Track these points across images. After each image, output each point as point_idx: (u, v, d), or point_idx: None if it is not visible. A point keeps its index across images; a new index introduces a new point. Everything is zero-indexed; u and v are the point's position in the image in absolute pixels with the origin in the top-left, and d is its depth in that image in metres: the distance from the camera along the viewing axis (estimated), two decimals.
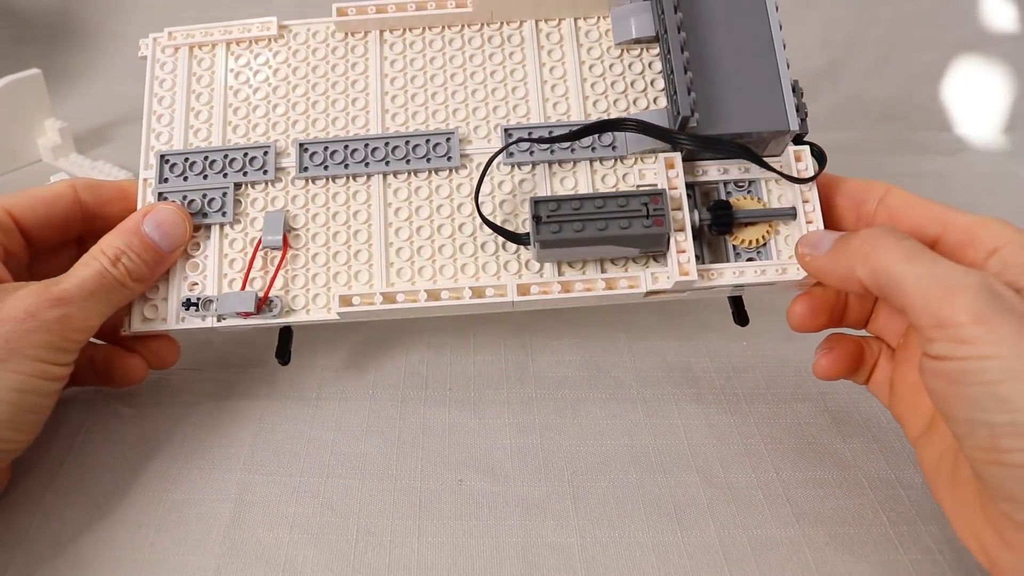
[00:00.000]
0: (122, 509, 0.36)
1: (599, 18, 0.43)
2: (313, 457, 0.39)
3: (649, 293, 0.37)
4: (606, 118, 0.40)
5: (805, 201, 0.37)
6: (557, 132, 0.38)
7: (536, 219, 0.36)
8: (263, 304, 0.38)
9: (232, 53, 0.43)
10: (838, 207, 0.38)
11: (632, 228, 0.36)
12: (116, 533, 0.35)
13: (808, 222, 0.37)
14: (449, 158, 0.40)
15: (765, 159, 0.38)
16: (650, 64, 0.42)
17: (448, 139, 0.40)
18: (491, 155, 0.38)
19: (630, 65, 0.42)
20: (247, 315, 0.38)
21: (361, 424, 0.41)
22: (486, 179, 0.40)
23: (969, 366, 0.28)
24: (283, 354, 0.40)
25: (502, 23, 0.43)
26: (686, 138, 0.37)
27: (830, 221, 0.38)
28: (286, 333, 0.40)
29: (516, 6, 0.42)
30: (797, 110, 0.38)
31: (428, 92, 0.42)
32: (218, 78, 0.43)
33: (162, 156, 0.41)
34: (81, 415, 0.41)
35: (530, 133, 0.37)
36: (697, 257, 0.37)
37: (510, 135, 0.40)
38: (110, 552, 0.34)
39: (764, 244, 0.38)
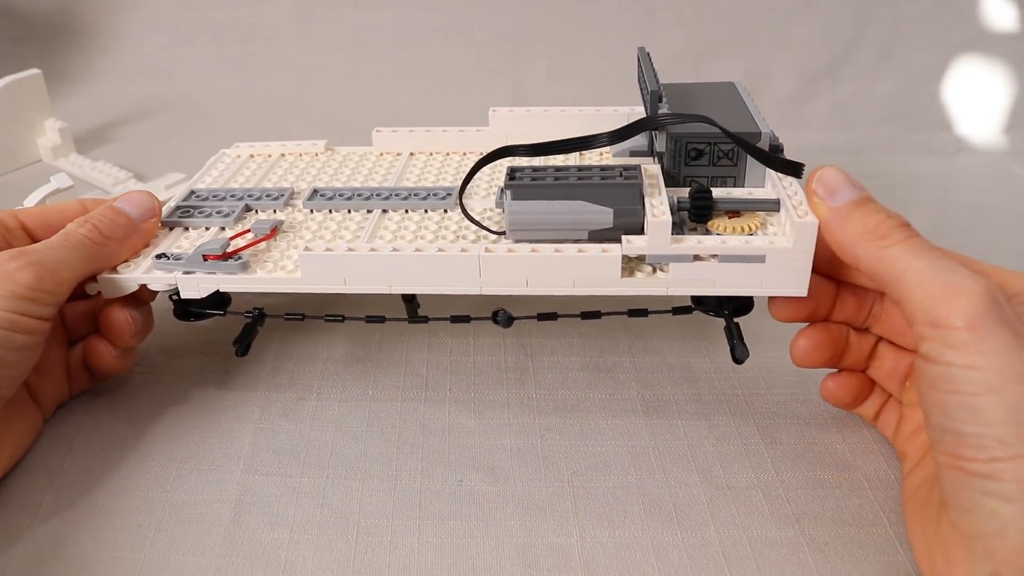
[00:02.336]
0: (122, 509, 0.36)
1: (600, 154, 0.47)
2: (313, 457, 0.39)
3: (624, 260, 0.35)
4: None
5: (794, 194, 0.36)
6: (561, 170, 0.38)
7: (511, 177, 0.37)
8: (231, 254, 0.38)
9: (284, 159, 0.50)
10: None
11: (607, 180, 0.36)
12: (116, 533, 0.35)
13: (795, 207, 0.35)
14: (444, 199, 0.42)
15: (747, 188, 0.38)
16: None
17: (449, 193, 0.43)
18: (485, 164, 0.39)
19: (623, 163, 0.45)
20: (214, 259, 0.38)
21: (361, 424, 0.41)
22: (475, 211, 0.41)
23: (951, 373, 0.28)
24: (241, 342, 0.41)
25: None
26: (661, 116, 0.37)
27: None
28: (251, 327, 0.41)
29: (530, 136, 0.46)
30: (776, 151, 0.38)
31: (440, 171, 0.47)
32: (266, 164, 0.50)
33: (192, 190, 0.45)
34: (80, 416, 0.41)
35: (534, 170, 0.38)
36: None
37: (513, 169, 0.39)
38: (110, 552, 0.34)
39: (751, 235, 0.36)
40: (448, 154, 0.49)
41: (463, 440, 0.40)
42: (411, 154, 0.49)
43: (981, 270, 0.32)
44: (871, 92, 0.73)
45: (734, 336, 0.38)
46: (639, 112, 0.47)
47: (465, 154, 0.49)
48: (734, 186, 0.39)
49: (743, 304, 0.39)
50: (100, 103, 0.76)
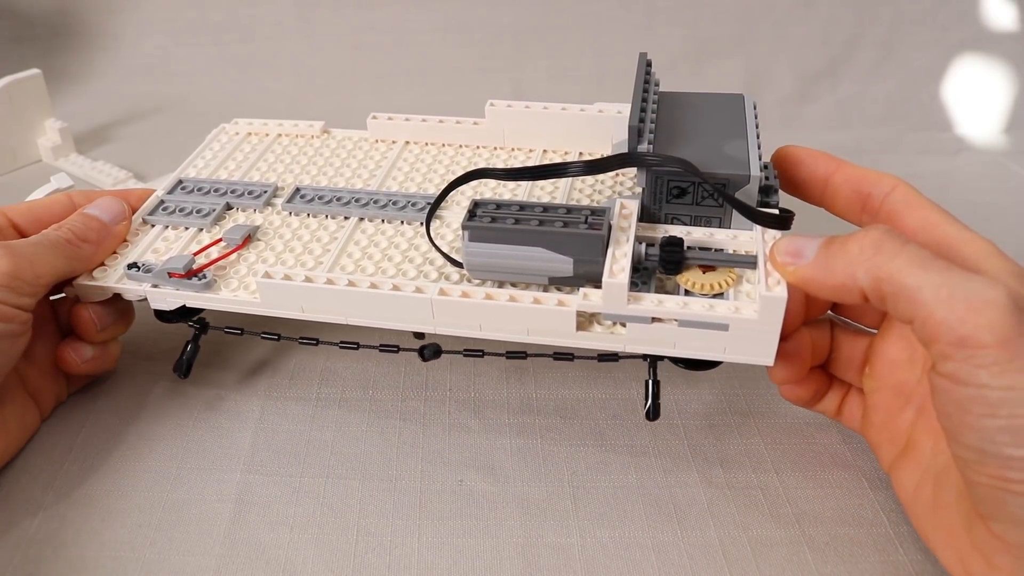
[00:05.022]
0: (122, 509, 0.36)
1: (601, 155, 0.45)
2: (313, 457, 0.39)
3: (581, 314, 0.34)
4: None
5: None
6: (525, 209, 0.36)
7: (471, 214, 0.35)
8: (195, 272, 0.38)
9: (279, 141, 0.50)
10: (841, 196, 0.36)
11: (568, 228, 0.34)
12: (116, 533, 0.35)
13: (768, 272, 0.32)
14: (422, 210, 0.42)
15: (732, 230, 0.36)
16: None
17: (429, 202, 0.42)
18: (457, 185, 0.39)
19: (620, 180, 0.44)
20: (176, 277, 0.38)
21: (361, 424, 0.41)
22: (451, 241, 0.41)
23: (987, 395, 0.26)
24: (180, 366, 0.41)
25: (513, 148, 0.48)
26: (640, 154, 0.35)
27: (831, 209, 0.37)
28: (192, 346, 0.41)
29: (527, 133, 0.47)
30: (768, 192, 0.36)
31: (430, 168, 0.47)
32: (261, 145, 0.50)
33: (179, 180, 0.46)
34: (80, 416, 0.41)
35: (497, 207, 0.36)
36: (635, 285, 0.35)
37: (476, 204, 0.36)
38: (110, 552, 0.34)
39: (720, 294, 0.34)
40: (443, 146, 0.48)
41: (463, 440, 0.40)
42: (406, 143, 0.49)
43: (981, 266, 0.31)
44: (871, 92, 0.73)
45: (649, 393, 0.36)
46: None
47: (460, 147, 0.48)
48: (719, 227, 0.36)
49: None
50: (100, 103, 0.76)
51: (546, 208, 0.36)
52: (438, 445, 0.39)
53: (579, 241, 0.34)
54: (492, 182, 0.44)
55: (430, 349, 0.39)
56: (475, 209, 0.36)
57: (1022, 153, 0.67)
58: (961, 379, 0.26)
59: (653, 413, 0.36)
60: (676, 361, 0.37)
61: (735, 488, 0.37)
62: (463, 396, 0.42)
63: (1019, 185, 0.63)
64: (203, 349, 0.45)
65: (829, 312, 0.38)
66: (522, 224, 0.35)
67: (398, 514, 0.36)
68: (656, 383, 0.36)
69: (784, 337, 0.33)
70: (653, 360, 0.37)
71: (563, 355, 0.38)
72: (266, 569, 0.34)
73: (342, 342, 0.40)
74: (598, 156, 0.45)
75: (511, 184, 0.44)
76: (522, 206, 0.36)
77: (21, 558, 0.34)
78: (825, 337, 0.37)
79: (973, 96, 0.72)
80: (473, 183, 0.44)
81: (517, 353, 0.39)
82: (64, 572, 0.33)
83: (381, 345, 0.40)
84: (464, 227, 0.35)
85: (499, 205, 0.36)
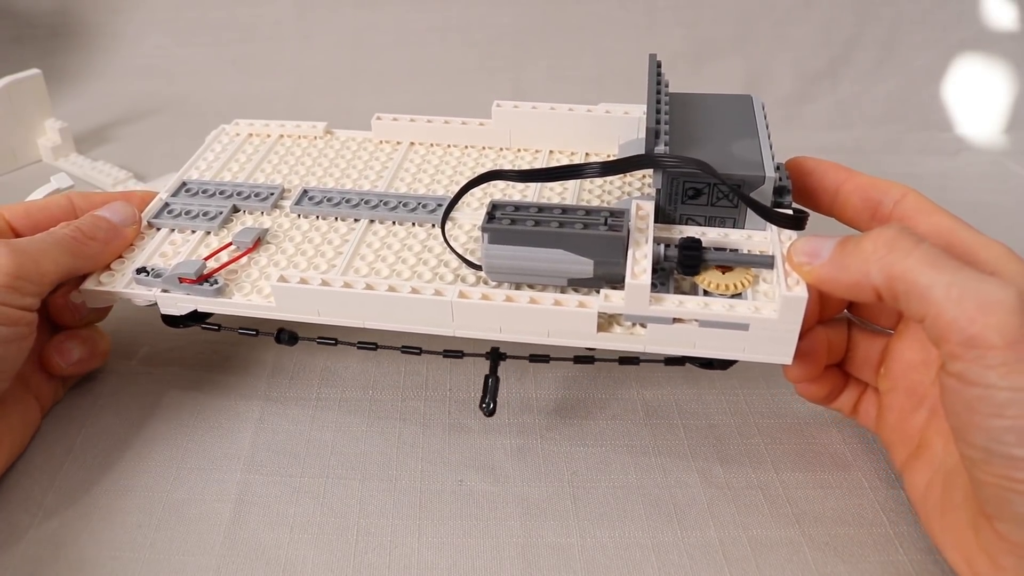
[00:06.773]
0: (122, 509, 0.36)
1: (608, 155, 0.46)
2: (313, 457, 0.39)
3: (601, 315, 0.34)
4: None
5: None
6: (544, 211, 0.36)
7: (490, 216, 0.35)
8: (206, 277, 0.38)
9: (282, 142, 0.50)
10: (850, 205, 0.36)
11: (589, 229, 0.34)
12: (116, 533, 0.35)
13: (787, 272, 0.33)
14: (433, 212, 0.41)
15: (746, 231, 0.36)
16: (648, 181, 0.43)
17: (440, 204, 0.42)
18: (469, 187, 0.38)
19: (628, 181, 0.44)
20: (188, 282, 0.37)
21: (361, 424, 0.41)
22: (465, 237, 0.40)
23: (995, 396, 0.26)
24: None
25: (519, 149, 0.47)
26: (658, 156, 0.35)
27: (840, 218, 0.37)
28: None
29: (533, 134, 0.47)
30: (782, 192, 0.36)
31: (437, 169, 0.46)
32: (264, 146, 0.49)
33: (183, 182, 0.45)
34: (81, 416, 0.41)
35: (516, 208, 0.36)
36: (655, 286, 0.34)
37: (495, 206, 0.36)
38: (110, 552, 0.34)
39: (739, 294, 0.34)
40: (448, 146, 0.48)
41: (463, 440, 0.40)
42: (411, 144, 0.48)
43: (997, 270, 0.31)
44: (871, 92, 0.73)
45: (487, 388, 0.37)
46: None
47: (466, 147, 0.48)
48: (733, 227, 0.36)
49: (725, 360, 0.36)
50: (100, 103, 0.76)
51: (565, 210, 0.36)
52: (438, 445, 0.39)
53: (600, 243, 0.34)
54: (500, 183, 0.44)
55: (286, 334, 0.40)
56: (494, 211, 0.36)
57: (1022, 153, 0.67)
58: (969, 379, 0.27)
59: (489, 409, 0.37)
60: (693, 360, 0.37)
61: (735, 488, 0.37)
62: (463, 396, 0.42)
63: (1019, 185, 0.63)
64: (204, 349, 0.45)
65: (846, 312, 0.38)
66: (542, 226, 0.35)
67: (398, 514, 0.36)
68: (496, 379, 0.37)
69: (799, 336, 0.33)
70: (495, 358, 0.38)
71: (539, 357, 0.38)
72: (266, 569, 0.34)
73: (339, 340, 0.40)
74: (604, 157, 0.45)
75: (519, 185, 0.44)
76: (540, 208, 0.36)
77: (21, 558, 0.34)
78: (842, 336, 0.37)
79: (973, 96, 0.72)
80: (479, 185, 0.43)
81: (501, 354, 0.39)
82: (64, 572, 0.33)
83: (444, 351, 0.40)
84: (484, 229, 0.35)
85: (517, 207, 0.36)
